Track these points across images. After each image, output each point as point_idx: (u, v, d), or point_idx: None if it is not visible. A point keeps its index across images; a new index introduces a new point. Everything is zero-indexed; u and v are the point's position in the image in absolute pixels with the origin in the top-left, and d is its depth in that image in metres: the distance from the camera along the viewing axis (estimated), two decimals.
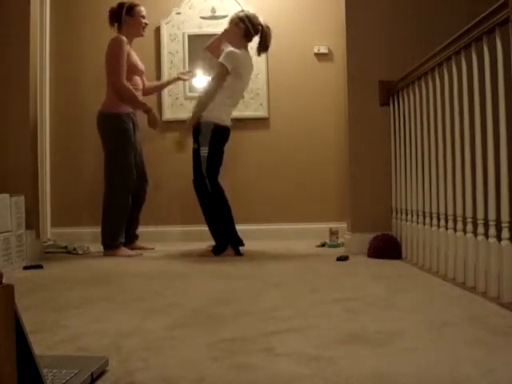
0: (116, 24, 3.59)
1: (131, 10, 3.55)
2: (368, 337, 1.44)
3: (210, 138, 3.36)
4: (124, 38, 3.49)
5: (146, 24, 3.67)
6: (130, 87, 3.48)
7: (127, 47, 3.50)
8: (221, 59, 3.37)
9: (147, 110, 3.58)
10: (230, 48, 3.40)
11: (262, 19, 3.50)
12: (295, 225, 4.20)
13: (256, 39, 3.49)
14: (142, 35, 3.70)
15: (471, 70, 2.16)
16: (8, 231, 2.92)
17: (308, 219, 4.24)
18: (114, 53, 3.46)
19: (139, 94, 3.61)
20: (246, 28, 3.43)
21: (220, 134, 3.41)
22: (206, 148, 3.35)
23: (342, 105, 3.51)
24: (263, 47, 3.50)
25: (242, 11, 3.61)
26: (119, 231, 3.43)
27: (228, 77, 3.36)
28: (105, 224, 3.44)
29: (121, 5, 3.56)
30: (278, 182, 4.27)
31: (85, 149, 4.36)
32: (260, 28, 3.46)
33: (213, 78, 3.42)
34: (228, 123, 3.47)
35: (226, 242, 3.34)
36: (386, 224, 3.20)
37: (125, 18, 3.54)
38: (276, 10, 4.32)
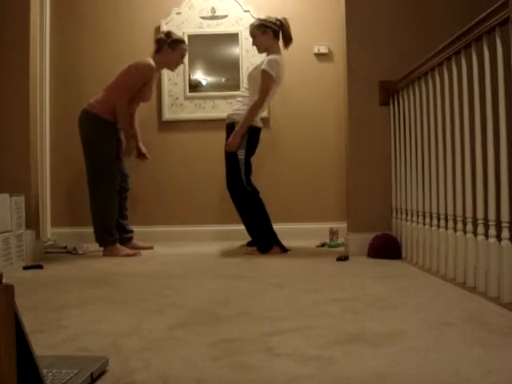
0: (155, 46, 3.60)
1: (175, 43, 3.57)
2: (368, 337, 1.44)
3: (247, 141, 3.42)
4: (154, 66, 3.49)
5: (182, 63, 3.72)
6: (124, 120, 3.47)
7: (153, 75, 3.53)
8: (265, 67, 3.36)
9: (130, 137, 3.55)
10: (272, 56, 3.42)
11: (273, 15, 3.58)
12: (295, 225, 4.20)
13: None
14: (172, 70, 3.75)
15: (471, 70, 2.16)
16: (8, 231, 2.92)
17: (308, 219, 4.25)
18: (141, 76, 3.46)
19: (130, 120, 3.60)
20: (273, 30, 3.48)
21: (255, 136, 3.49)
22: (243, 151, 3.41)
23: (342, 105, 3.51)
24: (288, 39, 3.53)
25: (257, 19, 3.59)
26: (112, 226, 3.47)
27: (271, 85, 3.39)
28: (96, 221, 3.46)
29: (169, 34, 3.60)
30: (278, 181, 4.27)
31: None
32: (279, 22, 3.50)
33: (260, 89, 3.37)
34: (260, 124, 3.54)
35: (271, 239, 3.39)
36: (386, 224, 3.20)
37: (166, 47, 3.55)
38: (276, 10, 4.32)
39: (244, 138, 3.41)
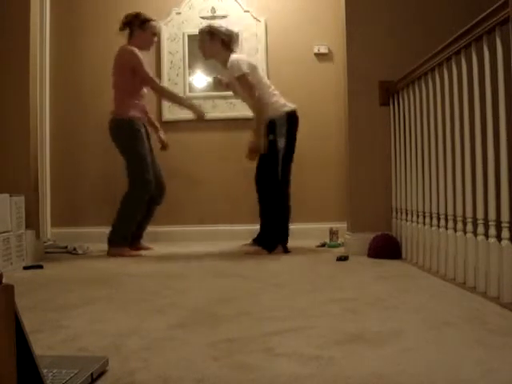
0: (128, 32, 3.58)
1: (144, 24, 3.56)
2: (368, 337, 1.44)
3: (287, 128, 3.37)
4: (135, 48, 3.49)
5: (155, 42, 3.71)
6: (168, 88, 3.60)
7: (139, 58, 3.50)
8: (234, 74, 3.38)
9: (190, 105, 3.65)
10: (231, 59, 3.41)
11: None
12: (295, 225, 4.18)
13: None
14: (148, 50, 3.71)
15: (471, 70, 2.16)
16: (8, 231, 2.92)
17: (308, 219, 4.24)
18: (136, 62, 3.46)
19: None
20: (221, 38, 3.47)
21: (294, 120, 3.42)
22: (283, 139, 3.35)
23: (342, 105, 3.51)
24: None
25: (207, 26, 3.58)
26: (129, 232, 3.48)
27: (250, 78, 3.38)
28: (117, 223, 3.45)
29: (137, 15, 3.58)
30: None
31: (85, 149, 4.37)
32: (229, 33, 3.51)
33: (248, 91, 3.39)
34: (293, 106, 3.46)
35: (278, 239, 3.38)
36: (386, 224, 3.19)
37: (136, 29, 3.55)
38: (276, 10, 4.33)
39: (284, 127, 3.35)
